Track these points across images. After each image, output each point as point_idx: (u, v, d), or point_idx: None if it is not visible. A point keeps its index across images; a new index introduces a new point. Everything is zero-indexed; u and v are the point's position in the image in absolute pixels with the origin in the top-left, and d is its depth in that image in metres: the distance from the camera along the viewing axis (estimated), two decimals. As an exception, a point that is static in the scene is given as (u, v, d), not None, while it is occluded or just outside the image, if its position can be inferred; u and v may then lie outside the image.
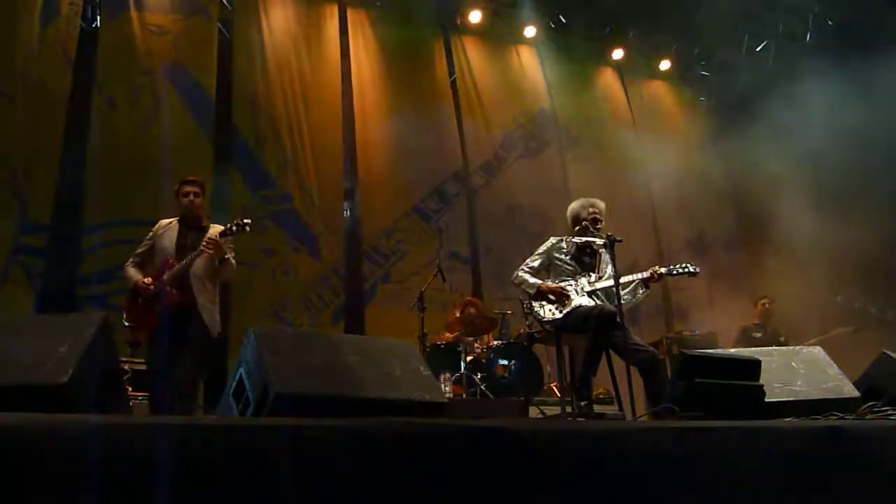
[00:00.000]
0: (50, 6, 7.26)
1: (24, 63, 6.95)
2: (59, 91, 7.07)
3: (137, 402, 5.03)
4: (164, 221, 4.80)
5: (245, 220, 4.62)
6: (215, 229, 4.71)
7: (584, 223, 4.90)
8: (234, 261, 4.77)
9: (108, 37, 7.61)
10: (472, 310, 7.08)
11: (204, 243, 4.51)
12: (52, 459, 1.40)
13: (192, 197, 4.73)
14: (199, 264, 4.55)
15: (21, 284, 6.38)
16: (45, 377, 2.15)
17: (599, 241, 4.84)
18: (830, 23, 9.79)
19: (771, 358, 3.62)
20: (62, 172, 6.79)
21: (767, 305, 8.05)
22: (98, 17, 7.72)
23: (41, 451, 1.38)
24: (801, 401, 3.47)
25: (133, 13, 7.75)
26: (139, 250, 4.76)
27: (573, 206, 5.12)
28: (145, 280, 4.52)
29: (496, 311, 7.52)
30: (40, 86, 6.98)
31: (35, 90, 6.93)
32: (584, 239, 4.92)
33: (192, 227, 4.73)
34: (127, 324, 4.53)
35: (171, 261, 4.56)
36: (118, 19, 7.69)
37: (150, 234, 4.77)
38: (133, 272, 4.64)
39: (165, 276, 4.50)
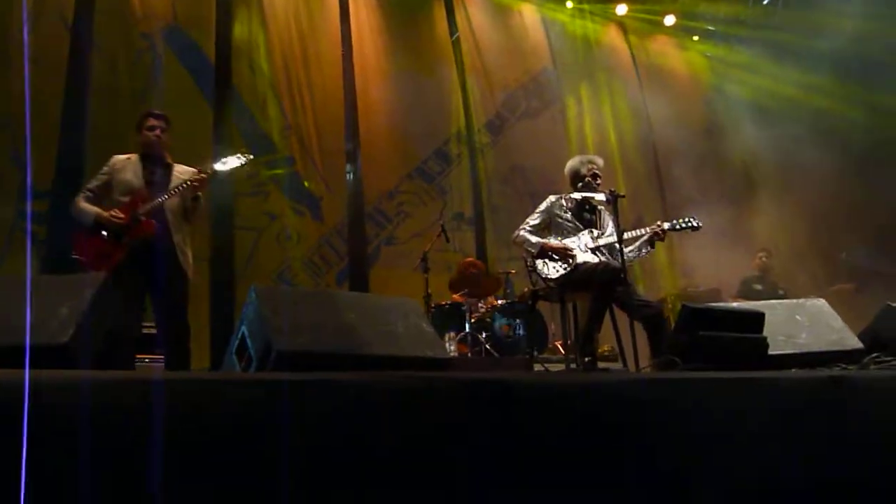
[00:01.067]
0: (45, -29, 7.16)
1: (20, 28, 6.87)
2: (58, 56, 6.99)
3: (145, 363, 5.00)
4: (121, 157, 4.45)
5: (246, 155, 4.50)
6: (184, 168, 4.47)
7: (585, 179, 4.87)
8: (201, 205, 4.53)
9: (105, 0, 7.51)
10: (472, 270, 7.08)
11: (196, 179, 4.29)
12: (54, 415, 1.41)
13: (157, 131, 4.43)
14: (172, 202, 4.30)
15: (25, 252, 6.39)
16: (47, 337, 2.15)
17: (601, 197, 4.81)
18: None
19: (774, 311, 3.62)
20: (62, 138, 6.74)
21: (765, 259, 8.07)
22: (95, -20, 7.63)
23: (43, 407, 1.38)
24: (805, 353, 3.48)
25: (129, -25, 7.64)
26: (92, 184, 4.40)
27: (571, 163, 5.08)
28: (114, 211, 4.17)
29: (500, 271, 7.52)
30: (39, 51, 6.91)
31: (34, 55, 6.87)
32: (584, 195, 4.89)
33: (156, 164, 4.43)
34: (76, 256, 4.22)
35: (144, 192, 4.26)
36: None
37: (106, 168, 4.41)
38: (89, 206, 4.27)
39: (140, 208, 4.18)
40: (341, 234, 8.15)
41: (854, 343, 3.60)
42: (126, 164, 4.37)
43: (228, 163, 4.46)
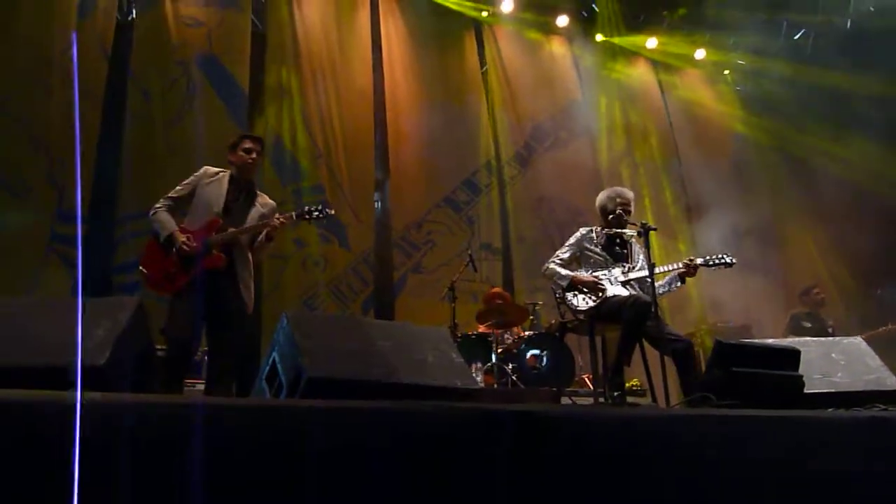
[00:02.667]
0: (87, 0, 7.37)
1: (62, 57, 7.07)
2: (96, 82, 7.17)
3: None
4: (212, 170, 4.35)
5: (328, 210, 4.38)
6: (266, 199, 4.40)
7: (616, 212, 4.85)
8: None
9: (143, 28, 7.71)
10: (498, 301, 7.05)
11: (277, 221, 4.18)
12: (91, 436, 1.41)
13: (254, 155, 4.33)
14: (244, 236, 4.22)
15: (59, 273, 6.49)
16: (84, 359, 2.17)
17: (631, 232, 4.79)
18: (872, 9, 9.57)
19: (809, 348, 3.55)
20: (98, 162, 6.88)
21: (820, 295, 7.86)
22: (133, 10, 7.85)
23: (78, 429, 1.39)
24: (842, 392, 3.40)
25: (168, 5, 7.83)
26: (175, 193, 4.28)
27: (600, 197, 5.06)
28: (187, 237, 4.07)
29: (527, 302, 7.48)
30: (79, 79, 7.09)
31: (72, 81, 7.03)
32: (614, 230, 4.86)
33: (242, 189, 4.33)
34: (142, 269, 4.14)
35: (219, 221, 4.15)
36: (153, 11, 7.78)
37: (194, 178, 4.31)
38: (168, 218, 4.18)
39: (213, 238, 4.08)
40: (368, 261, 8.17)
41: (893, 383, 3.52)
42: (214, 180, 4.28)
43: (311, 213, 4.35)
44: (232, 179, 4.32)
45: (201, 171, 4.33)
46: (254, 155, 4.32)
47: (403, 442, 1.78)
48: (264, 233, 4.24)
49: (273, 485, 1.59)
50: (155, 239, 4.17)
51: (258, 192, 4.41)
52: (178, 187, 4.30)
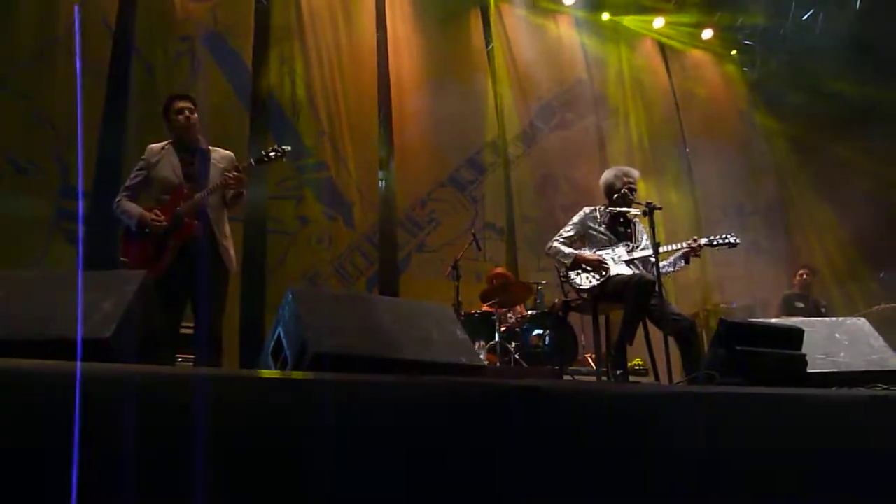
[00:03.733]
0: (91, -25, 7.33)
1: (67, 33, 7.04)
2: (100, 58, 7.13)
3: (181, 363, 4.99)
4: (155, 147, 4.26)
5: (283, 147, 4.33)
6: (221, 152, 4.34)
7: (621, 192, 4.84)
8: (246, 195, 4.42)
9: (147, 3, 7.65)
10: (502, 280, 7.06)
11: (233, 176, 4.13)
12: (97, 407, 1.42)
13: (187, 113, 4.21)
14: (212, 197, 4.16)
15: (65, 249, 6.51)
16: (90, 331, 2.18)
17: (636, 210, 4.79)
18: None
19: (814, 328, 3.56)
20: (102, 139, 6.86)
21: (806, 276, 7.95)
22: (137, -16, 7.79)
23: (85, 399, 1.40)
24: (845, 372, 3.41)
25: (172, -20, 7.78)
26: (132, 181, 4.22)
27: (606, 175, 5.05)
28: (155, 212, 4.05)
29: (531, 281, 7.49)
30: (83, 53, 7.06)
31: (76, 57, 7.01)
32: (619, 209, 4.86)
33: (192, 151, 4.24)
34: (124, 259, 4.11)
35: (185, 190, 4.10)
36: (157, -14, 7.73)
37: (142, 163, 4.23)
38: (133, 206, 4.13)
39: (181, 207, 4.06)
40: (372, 240, 8.18)
41: (895, 363, 3.53)
42: (161, 156, 4.21)
43: (266, 156, 4.33)
44: (178, 145, 4.25)
45: (146, 152, 4.27)
46: (186, 113, 4.22)
47: (408, 415, 1.80)
48: (231, 192, 4.22)
49: (278, 455, 1.60)
50: (127, 231, 4.17)
51: (210, 148, 4.34)
52: (131, 175, 4.27)
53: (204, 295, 4.02)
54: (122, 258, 4.13)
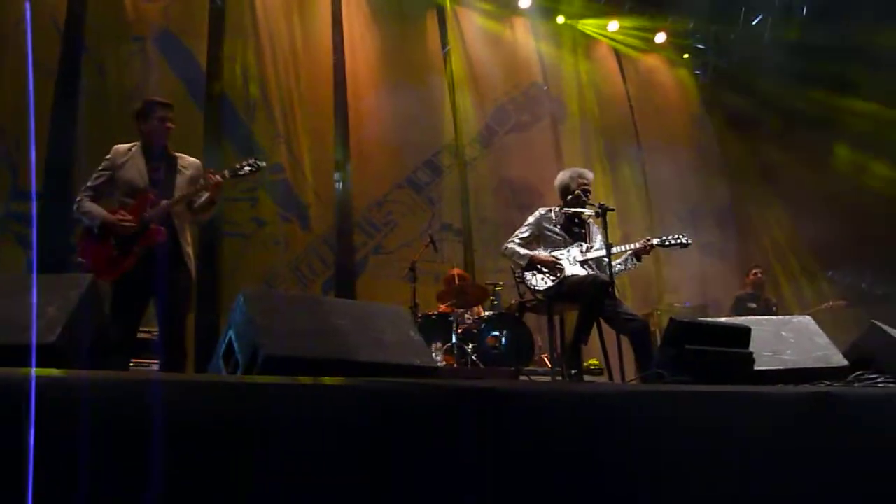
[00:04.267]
0: (39, -27, 7.16)
1: (14, 31, 6.87)
2: (49, 58, 6.98)
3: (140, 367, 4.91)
4: (122, 147, 4.18)
5: (259, 162, 4.28)
6: (187, 160, 4.30)
7: (575, 193, 4.90)
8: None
9: (96, 3, 7.50)
10: (458, 282, 7.07)
11: (214, 182, 4.08)
12: (43, 414, 1.40)
13: (169, 123, 4.17)
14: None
15: (14, 252, 6.35)
16: (35, 337, 2.13)
17: (590, 211, 4.85)
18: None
19: (761, 327, 3.64)
20: (52, 140, 6.71)
21: (760, 275, 8.11)
22: (86, -18, 7.64)
23: (31, 406, 1.38)
24: (791, 369, 3.50)
25: (122, -22, 7.64)
26: (95, 182, 4.12)
27: (561, 176, 5.11)
28: (122, 213, 3.98)
29: (488, 283, 7.53)
30: (29, 53, 6.90)
31: (24, 57, 6.84)
32: (573, 210, 4.91)
33: (159, 157, 4.17)
34: (81, 260, 3.98)
35: (150, 195, 4.03)
36: (107, -16, 7.58)
37: (107, 162, 4.14)
38: (96, 207, 4.04)
39: (148, 213, 3.98)
40: (328, 242, 8.13)
41: (839, 360, 3.63)
42: (128, 159, 4.13)
43: (243, 168, 4.26)
44: (146, 149, 4.18)
45: (112, 152, 4.18)
46: (168, 123, 4.18)
47: (362, 418, 1.80)
48: (205, 197, 4.17)
49: (229, 460, 1.59)
50: (86, 232, 4.06)
51: (177, 154, 4.29)
52: (94, 175, 4.16)
53: (169, 300, 3.96)
54: (79, 258, 4.01)
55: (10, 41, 6.82)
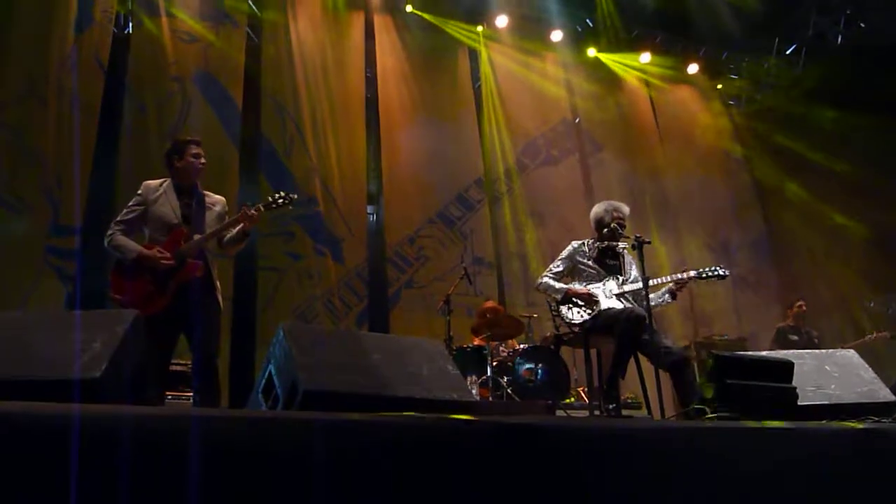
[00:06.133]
0: (84, 14, 7.44)
1: (59, 69, 7.11)
2: (92, 96, 7.20)
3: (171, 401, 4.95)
4: (153, 183, 4.24)
5: (291, 195, 4.35)
6: (214, 197, 4.37)
7: (610, 226, 4.87)
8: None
9: (139, 43, 7.77)
10: (493, 314, 7.04)
11: (251, 214, 4.15)
12: (86, 449, 1.41)
13: (201, 160, 4.26)
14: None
15: (54, 286, 6.48)
16: (79, 372, 2.17)
17: (625, 244, 4.82)
18: (862, 25, 9.69)
19: (803, 360, 3.56)
20: (94, 176, 6.89)
21: (803, 308, 7.92)
22: (130, 24, 7.90)
23: (75, 441, 1.39)
24: (835, 404, 3.41)
25: (164, 20, 7.89)
26: (127, 216, 4.16)
27: (596, 209, 5.08)
28: (158, 250, 4.01)
29: (523, 314, 7.50)
30: (73, 91, 7.12)
31: (69, 95, 7.07)
32: (608, 243, 4.89)
33: (190, 194, 4.25)
34: (117, 297, 3.99)
35: (184, 230, 4.09)
36: (149, 26, 7.84)
37: (139, 198, 4.19)
38: (130, 242, 4.07)
39: (183, 248, 4.04)
40: (361, 275, 8.19)
41: (886, 395, 3.53)
42: (160, 195, 4.19)
43: (276, 201, 4.35)
44: (177, 187, 4.25)
45: (143, 188, 4.24)
46: (202, 160, 4.27)
47: (400, 454, 1.78)
48: (239, 228, 4.22)
49: (270, 497, 1.59)
50: (118, 266, 4.09)
51: (205, 192, 4.36)
52: (124, 211, 4.21)
53: (204, 333, 3.98)
54: (114, 295, 4.03)
55: (54, 80, 7.06)
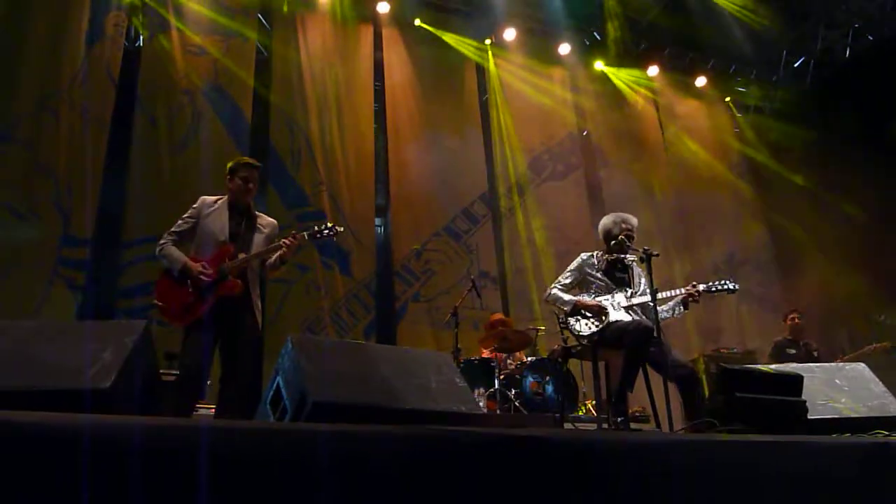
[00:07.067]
0: (95, 27, 7.51)
1: (70, 82, 7.18)
2: (103, 109, 7.27)
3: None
4: (209, 199, 4.39)
5: (337, 227, 4.45)
6: (266, 219, 4.47)
7: (619, 238, 4.85)
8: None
9: (150, 56, 7.84)
10: (500, 326, 7.03)
11: (287, 242, 4.23)
12: (96, 459, 1.42)
13: (251, 184, 4.35)
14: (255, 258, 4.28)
15: (64, 296, 6.52)
16: (90, 382, 2.18)
17: (633, 256, 4.80)
18: (871, 38, 9.70)
19: (813, 374, 3.55)
20: (104, 188, 6.94)
21: (798, 320, 7.84)
22: (141, 37, 7.97)
23: (85, 451, 1.40)
24: (846, 418, 3.39)
25: (174, 33, 7.96)
26: (178, 228, 4.30)
27: (605, 221, 5.06)
28: (203, 265, 4.11)
29: (530, 326, 7.48)
30: (85, 104, 7.19)
31: (80, 108, 7.14)
32: (616, 255, 4.87)
33: (242, 214, 4.38)
34: (159, 303, 4.12)
35: (230, 248, 4.21)
36: (160, 39, 7.92)
37: (193, 211, 4.35)
38: (178, 252, 4.19)
39: (227, 265, 4.14)
40: (369, 288, 8.20)
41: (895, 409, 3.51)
42: (214, 209, 4.33)
43: (322, 232, 4.45)
44: (231, 206, 4.37)
45: (199, 202, 4.37)
46: (251, 184, 4.35)
47: (407, 466, 1.78)
48: (277, 255, 4.27)
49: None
50: (166, 274, 4.19)
51: (257, 214, 4.46)
52: (179, 222, 4.33)
53: (238, 349, 4.08)
54: (156, 301, 4.15)
55: (66, 93, 7.13)
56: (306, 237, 4.40)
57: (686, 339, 9.08)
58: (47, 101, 7.05)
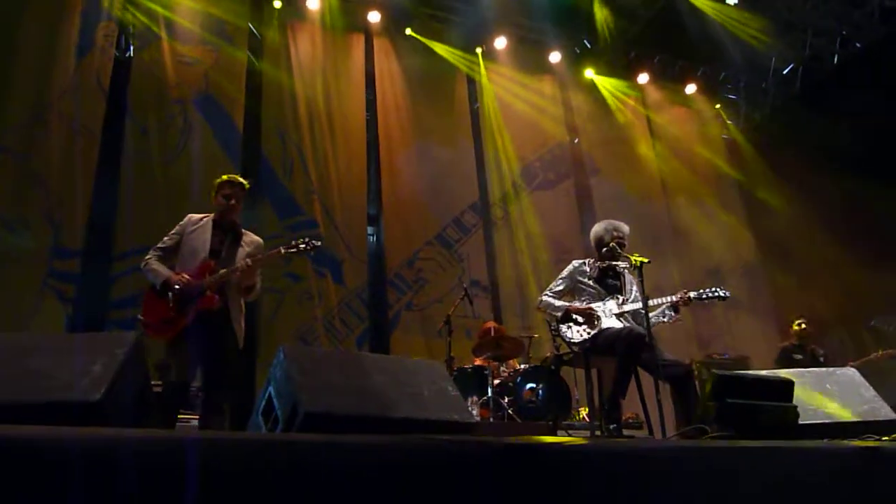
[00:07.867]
0: (85, 38, 7.51)
1: (61, 93, 7.17)
2: (94, 119, 7.26)
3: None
4: (195, 217, 4.44)
5: (314, 241, 4.46)
6: (251, 237, 4.48)
7: (610, 245, 4.87)
8: (259, 284, 4.46)
9: (140, 66, 7.84)
10: (493, 335, 7.03)
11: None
12: (86, 472, 1.42)
13: (233, 201, 4.40)
14: (235, 275, 4.26)
15: (54, 308, 6.49)
16: (80, 394, 2.17)
17: (624, 263, 4.82)
18: (858, 45, 9.77)
19: (804, 379, 3.56)
20: (95, 199, 6.92)
21: (805, 326, 7.85)
22: (131, 47, 7.96)
23: (75, 465, 1.40)
24: (837, 423, 3.40)
25: (165, 43, 7.97)
26: (163, 244, 4.36)
27: (596, 228, 5.09)
28: (184, 275, 4.15)
29: (523, 334, 7.48)
30: (75, 114, 7.18)
31: (70, 118, 7.13)
32: (608, 262, 4.89)
33: (227, 230, 4.41)
34: (142, 318, 4.16)
35: (211, 264, 4.23)
36: (150, 49, 7.93)
37: (178, 228, 4.40)
38: (162, 266, 4.24)
39: (207, 280, 4.17)
40: (362, 297, 8.19)
41: (886, 413, 3.52)
42: (198, 227, 4.38)
43: (298, 247, 4.43)
44: (215, 223, 4.41)
45: (185, 219, 4.42)
46: (232, 201, 4.40)
47: (400, 476, 1.78)
48: (236, 276, 4.26)
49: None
50: (151, 289, 4.24)
51: (243, 231, 4.49)
52: (165, 238, 4.38)
53: (215, 363, 4.13)
54: (140, 317, 4.21)
55: (57, 104, 7.12)
56: (283, 252, 4.40)
57: (677, 346, 9.09)
58: (38, 112, 7.04)
